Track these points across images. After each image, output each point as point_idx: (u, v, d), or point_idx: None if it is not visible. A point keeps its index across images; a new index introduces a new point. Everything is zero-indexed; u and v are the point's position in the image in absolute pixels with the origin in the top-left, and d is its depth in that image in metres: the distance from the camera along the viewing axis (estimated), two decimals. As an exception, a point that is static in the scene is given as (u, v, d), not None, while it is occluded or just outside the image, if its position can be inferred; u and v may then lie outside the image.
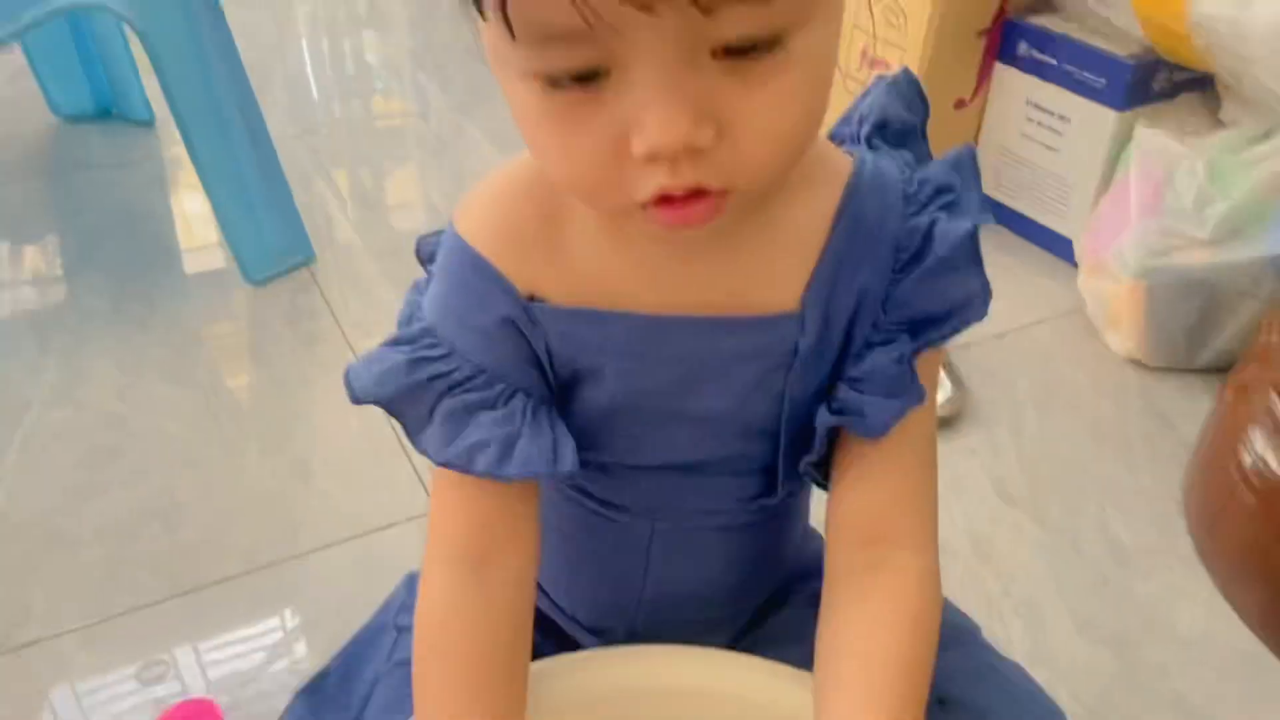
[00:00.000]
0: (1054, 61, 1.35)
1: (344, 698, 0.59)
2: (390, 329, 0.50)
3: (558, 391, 0.50)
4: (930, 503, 0.51)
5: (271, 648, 0.94)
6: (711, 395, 0.49)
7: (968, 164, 0.50)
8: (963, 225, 0.47)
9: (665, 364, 0.48)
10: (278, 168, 1.39)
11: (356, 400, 0.48)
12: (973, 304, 0.49)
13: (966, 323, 0.49)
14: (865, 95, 0.53)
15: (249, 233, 1.38)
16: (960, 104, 1.46)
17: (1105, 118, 1.31)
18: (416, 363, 0.47)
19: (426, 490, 1.08)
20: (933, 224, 0.47)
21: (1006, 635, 0.94)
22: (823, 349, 0.49)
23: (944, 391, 1.17)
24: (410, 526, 1.04)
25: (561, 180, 0.42)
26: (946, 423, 1.16)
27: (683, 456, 0.52)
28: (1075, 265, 1.36)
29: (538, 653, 0.53)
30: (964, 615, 0.61)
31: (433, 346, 0.47)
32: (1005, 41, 1.41)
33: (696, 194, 0.39)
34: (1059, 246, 1.43)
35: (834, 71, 0.40)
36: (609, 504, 0.54)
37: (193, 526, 1.05)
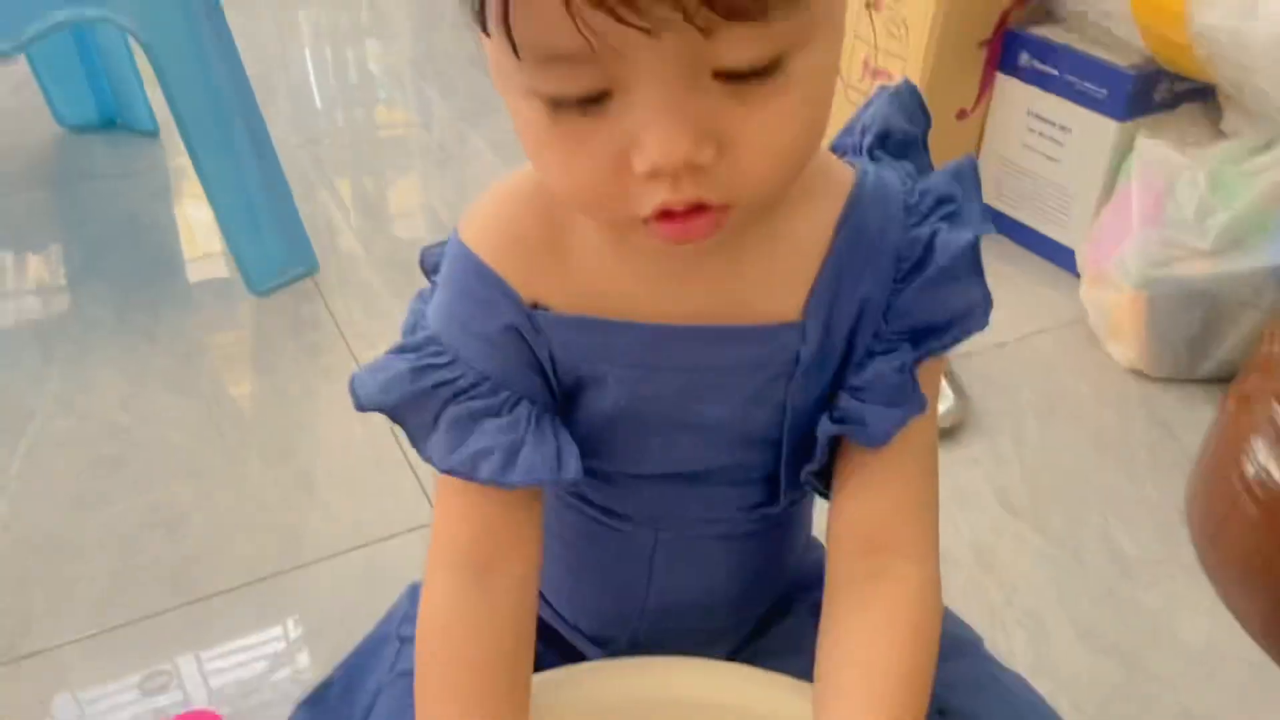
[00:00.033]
0: (1055, 72, 1.36)
1: (346, 709, 0.59)
2: (394, 339, 0.50)
3: (561, 400, 0.50)
4: (931, 512, 0.51)
5: (274, 658, 0.94)
6: (714, 404, 0.49)
7: (969, 175, 0.50)
8: (964, 235, 0.47)
9: (668, 373, 0.48)
10: (281, 179, 1.40)
11: (361, 408, 0.48)
12: (974, 313, 0.49)
13: (968, 332, 0.49)
14: (867, 106, 0.53)
15: (252, 244, 1.38)
16: (962, 114, 1.46)
17: (1106, 128, 1.32)
18: (421, 370, 0.47)
19: (430, 500, 1.08)
20: (934, 234, 0.48)
21: (1009, 646, 0.94)
22: (824, 358, 0.49)
23: (946, 401, 1.17)
24: (413, 537, 1.04)
25: (563, 194, 0.43)
26: (949, 433, 1.16)
27: (685, 465, 0.52)
28: (1077, 275, 1.36)
29: (540, 662, 0.53)
30: (966, 626, 0.61)
31: (437, 354, 0.48)
32: (1006, 52, 1.42)
33: (697, 209, 0.39)
34: (1061, 256, 1.43)
35: (834, 88, 0.40)
36: (612, 513, 0.55)
37: (195, 536, 1.05)
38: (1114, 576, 1.01)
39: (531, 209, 0.47)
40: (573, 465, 0.47)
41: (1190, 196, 1.16)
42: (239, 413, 1.23)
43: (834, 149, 0.53)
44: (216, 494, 1.10)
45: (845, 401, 0.49)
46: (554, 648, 0.62)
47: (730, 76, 0.36)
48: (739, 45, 0.35)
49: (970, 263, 0.48)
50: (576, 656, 0.62)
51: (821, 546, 0.60)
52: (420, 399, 0.47)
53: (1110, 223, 1.27)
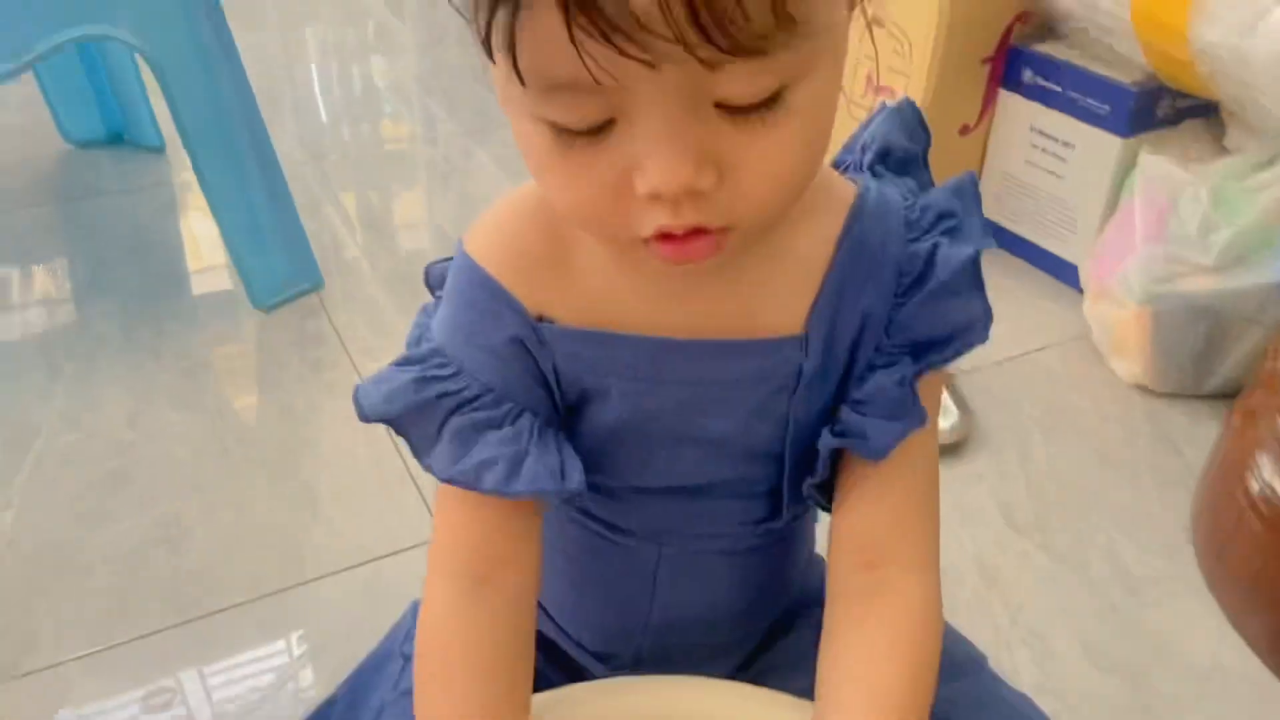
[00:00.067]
0: (1058, 88, 1.36)
1: (350, 727, 0.59)
2: (398, 354, 0.50)
3: (565, 413, 0.50)
4: (932, 525, 0.51)
5: (277, 675, 0.94)
6: (717, 418, 0.49)
7: (969, 190, 0.50)
8: (964, 250, 0.48)
9: (671, 386, 0.49)
10: (287, 195, 1.40)
11: (365, 418, 0.49)
12: (974, 327, 0.49)
13: (968, 346, 0.49)
14: (868, 124, 0.53)
15: (257, 260, 1.39)
16: (965, 130, 1.47)
17: (1109, 144, 1.32)
18: (425, 381, 0.48)
19: (433, 516, 1.08)
20: (935, 249, 0.48)
21: (1013, 664, 0.93)
22: (826, 372, 0.49)
23: (950, 417, 1.17)
24: (417, 553, 1.04)
25: (565, 212, 0.43)
26: (953, 449, 1.16)
27: (688, 479, 0.52)
28: (1081, 291, 1.36)
29: (543, 679, 0.53)
30: (970, 644, 0.61)
31: (441, 366, 0.48)
32: (1010, 68, 1.42)
33: (697, 231, 0.39)
34: (1064, 272, 1.43)
35: (835, 113, 0.41)
36: (615, 527, 0.55)
37: (199, 553, 1.05)
38: (1119, 593, 1.01)
39: (536, 223, 0.48)
40: (575, 476, 0.48)
41: (1193, 212, 1.16)
42: (243, 428, 1.23)
43: (836, 165, 0.53)
44: (220, 510, 1.10)
45: (847, 415, 0.49)
46: (556, 663, 0.62)
47: (732, 107, 0.37)
48: (741, 78, 0.36)
49: (971, 277, 0.48)
50: (579, 673, 0.62)
51: (824, 563, 0.60)
52: (424, 410, 0.48)
53: (1113, 238, 1.27)
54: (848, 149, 0.54)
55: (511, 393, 0.48)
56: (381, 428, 0.51)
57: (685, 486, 0.52)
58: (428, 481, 1.10)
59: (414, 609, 0.63)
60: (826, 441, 0.49)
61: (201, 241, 1.60)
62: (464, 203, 1.75)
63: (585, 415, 0.50)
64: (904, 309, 0.48)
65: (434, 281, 0.54)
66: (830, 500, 0.52)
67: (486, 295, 0.48)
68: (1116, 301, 1.24)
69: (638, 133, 0.37)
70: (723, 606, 0.58)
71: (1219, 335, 1.19)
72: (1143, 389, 1.27)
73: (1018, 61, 1.41)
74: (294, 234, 1.43)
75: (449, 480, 0.48)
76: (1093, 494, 1.13)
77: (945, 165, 0.50)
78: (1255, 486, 0.92)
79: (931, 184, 0.52)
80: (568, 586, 0.59)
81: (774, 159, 0.38)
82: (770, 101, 0.37)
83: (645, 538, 0.55)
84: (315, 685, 0.92)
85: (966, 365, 1.26)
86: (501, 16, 0.35)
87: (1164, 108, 1.31)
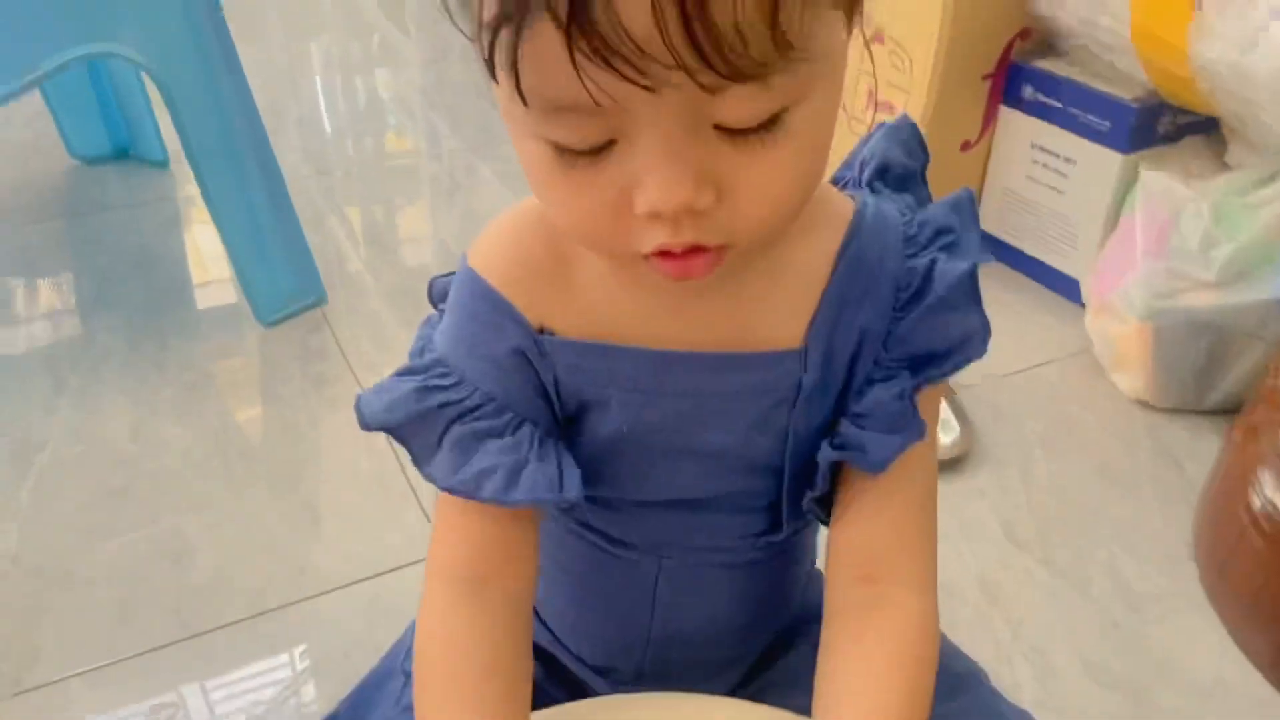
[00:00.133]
0: (1059, 104, 1.37)
1: (351, 744, 0.59)
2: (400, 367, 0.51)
3: (565, 425, 0.51)
4: (930, 539, 0.51)
5: (279, 691, 0.94)
6: (717, 430, 0.50)
7: (967, 206, 0.51)
8: (962, 265, 0.48)
9: (671, 399, 0.49)
10: (290, 210, 1.41)
11: (366, 427, 0.49)
12: (972, 341, 0.50)
13: (967, 360, 0.50)
14: (866, 141, 0.54)
15: (261, 275, 1.39)
16: (966, 146, 1.47)
17: (1110, 160, 1.32)
18: (426, 390, 0.48)
19: (432, 523, 1.08)
20: (933, 264, 0.48)
21: (1014, 680, 0.93)
22: (825, 385, 0.49)
23: (951, 432, 1.17)
24: (419, 570, 1.04)
25: (566, 229, 0.44)
26: (954, 464, 1.16)
27: (688, 492, 0.52)
28: (1082, 306, 1.36)
29: (543, 693, 0.53)
30: (970, 660, 0.61)
31: (443, 375, 0.48)
32: (1010, 85, 1.43)
33: (696, 249, 0.40)
34: (1066, 287, 1.44)
35: (833, 133, 0.41)
36: (615, 540, 0.55)
37: (201, 568, 1.05)
38: (1121, 609, 1.01)
39: (539, 236, 0.48)
40: (574, 486, 0.48)
41: (1194, 228, 1.16)
42: (246, 443, 1.24)
43: (835, 182, 0.54)
44: (223, 525, 1.10)
45: (846, 428, 0.49)
46: (556, 677, 0.62)
47: (731, 129, 0.37)
48: (740, 102, 0.36)
49: (968, 291, 0.49)
50: (579, 687, 0.62)
51: (824, 578, 0.60)
52: (425, 419, 0.48)
53: (1115, 254, 1.27)
54: (847, 166, 0.55)
55: (513, 403, 0.48)
56: (383, 443, 0.51)
57: (685, 499, 0.52)
58: (429, 497, 1.10)
59: (415, 626, 0.63)
60: (826, 454, 0.50)
61: (206, 256, 1.61)
62: (467, 217, 1.76)
63: (585, 427, 0.50)
64: (902, 323, 0.49)
65: (437, 296, 0.54)
66: (830, 514, 0.52)
67: (489, 307, 0.48)
68: (1118, 316, 1.24)
69: (638, 153, 0.37)
70: (723, 620, 0.58)
71: (1220, 351, 1.19)
72: (1144, 404, 1.27)
73: (1018, 78, 1.41)
74: (298, 248, 1.43)
75: (449, 489, 0.48)
76: (1094, 509, 1.13)
77: (947, 181, 0.50)
78: (1257, 502, 0.92)
79: (930, 200, 0.53)
80: (568, 600, 0.59)
81: (772, 179, 0.39)
82: (769, 124, 0.37)
83: (646, 551, 0.55)
84: (317, 701, 0.92)
85: (968, 380, 1.26)
86: (504, 38, 0.35)
87: (1165, 124, 1.31)
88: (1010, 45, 1.41)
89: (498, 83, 0.38)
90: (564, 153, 0.38)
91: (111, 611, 1.00)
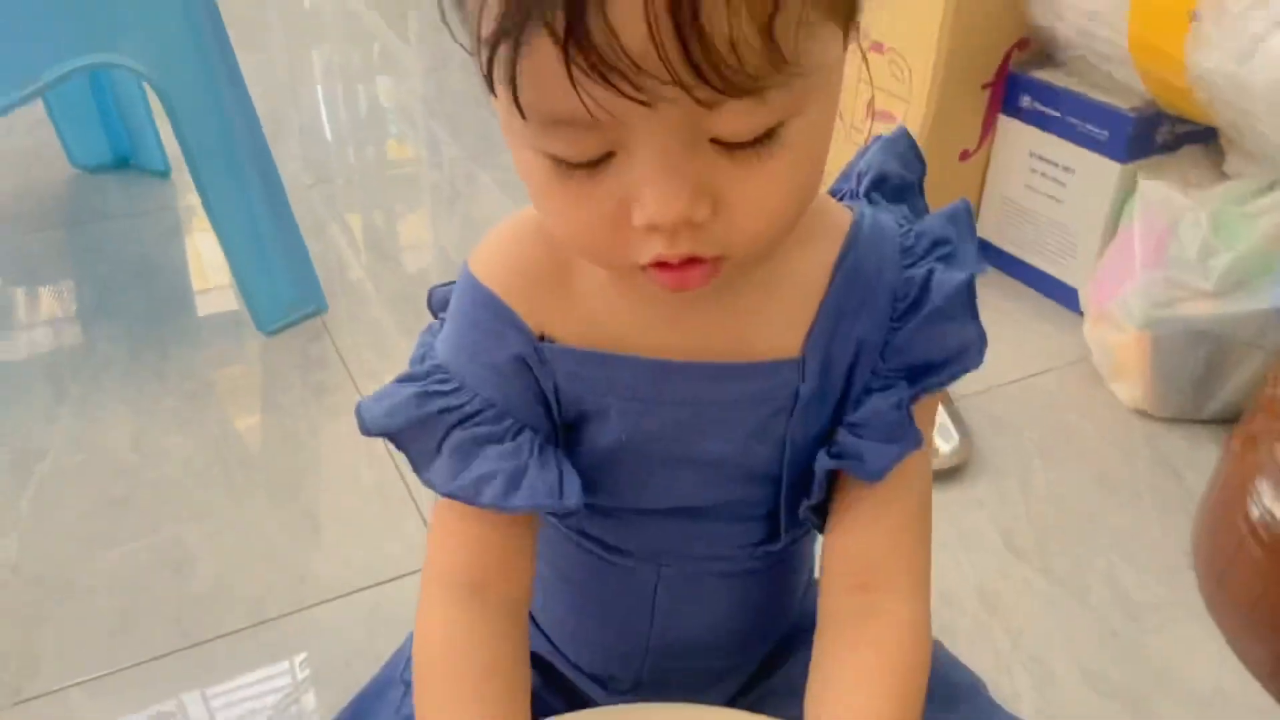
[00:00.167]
0: (1057, 114, 1.37)
1: (351, 753, 0.59)
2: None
3: (564, 433, 0.51)
4: (925, 548, 0.52)
5: (280, 700, 0.94)
6: (715, 439, 0.50)
7: (963, 217, 0.51)
8: (959, 275, 0.49)
9: (669, 407, 0.49)
10: (291, 219, 1.41)
11: (366, 432, 0.49)
12: (969, 351, 0.50)
13: (964, 369, 0.50)
14: (863, 153, 0.54)
15: (262, 284, 1.40)
16: (965, 155, 1.48)
17: (1109, 169, 1.33)
18: (426, 396, 0.48)
19: (430, 528, 1.08)
20: (930, 274, 0.49)
21: (1014, 689, 0.93)
22: (823, 395, 0.50)
23: (950, 442, 1.17)
24: (419, 578, 1.04)
25: (564, 240, 0.44)
26: (953, 473, 1.17)
27: (686, 501, 0.53)
28: (1081, 314, 1.37)
29: (541, 702, 0.53)
30: (968, 670, 0.61)
31: (443, 381, 0.49)
32: (1009, 94, 1.43)
33: (693, 260, 0.40)
34: (1064, 296, 1.44)
35: (829, 144, 0.42)
36: (614, 549, 0.55)
37: (202, 577, 1.05)
38: (1120, 619, 1.01)
39: (539, 244, 0.49)
40: (574, 493, 0.48)
41: (1193, 237, 1.16)
42: (246, 452, 1.24)
43: (832, 193, 0.54)
44: (223, 534, 1.10)
45: (843, 437, 0.50)
46: (554, 686, 0.62)
47: (727, 143, 0.37)
48: (736, 117, 0.36)
49: (965, 301, 0.49)
50: (577, 696, 0.62)
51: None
52: (425, 424, 0.48)
53: (1113, 263, 1.28)
54: (844, 177, 0.55)
55: (513, 409, 0.49)
56: (384, 451, 0.51)
57: (683, 508, 0.53)
58: (430, 506, 1.10)
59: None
60: (823, 463, 0.50)
61: (206, 265, 1.61)
62: (468, 226, 1.76)
63: (584, 435, 0.51)
64: (900, 333, 0.49)
65: (436, 305, 0.55)
66: (825, 522, 0.52)
67: (490, 314, 0.48)
68: (1116, 326, 1.24)
69: (635, 166, 0.38)
70: (722, 629, 0.58)
71: (1219, 360, 1.20)
72: (1143, 413, 1.27)
73: (1017, 87, 1.42)
74: (298, 258, 1.43)
75: (449, 495, 0.48)
76: (1093, 519, 1.13)
77: (945, 190, 0.51)
78: (1255, 512, 0.93)
79: (927, 211, 0.53)
80: (567, 608, 0.60)
81: (768, 192, 0.39)
82: (765, 137, 0.38)
83: (644, 559, 0.55)
84: (317, 710, 0.92)
85: (966, 389, 1.26)
86: (503, 53, 0.35)
87: (1163, 133, 1.32)
88: (1009, 55, 1.41)
89: (496, 96, 0.38)
90: (562, 165, 0.39)
91: (112, 620, 1.00)
